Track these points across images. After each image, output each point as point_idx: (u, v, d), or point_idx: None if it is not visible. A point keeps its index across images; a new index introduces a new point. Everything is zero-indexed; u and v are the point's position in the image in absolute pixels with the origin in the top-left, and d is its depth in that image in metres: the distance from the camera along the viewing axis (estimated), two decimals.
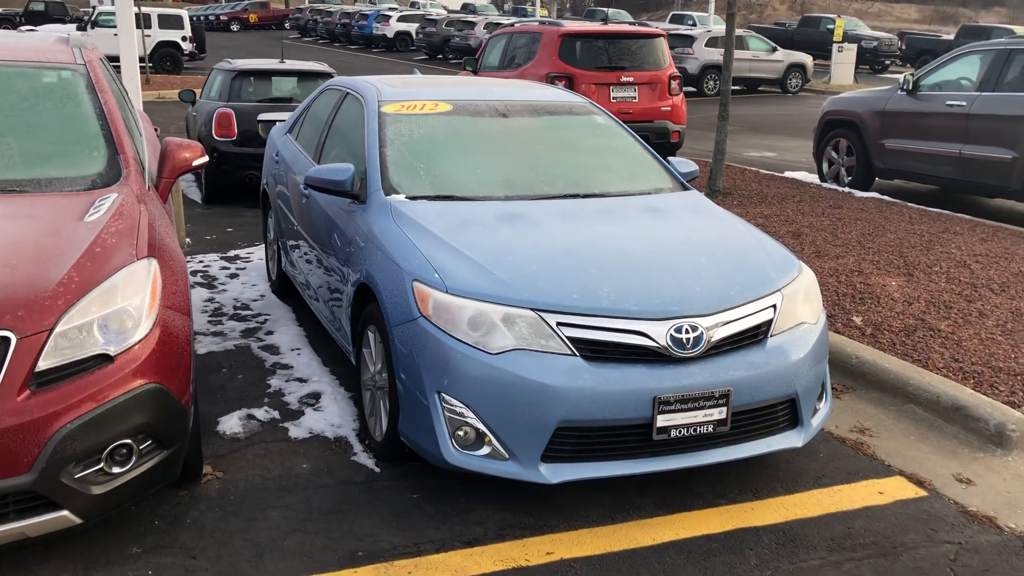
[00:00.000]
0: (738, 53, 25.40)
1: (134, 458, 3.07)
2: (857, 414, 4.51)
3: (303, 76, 10.01)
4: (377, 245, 3.91)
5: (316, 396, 4.60)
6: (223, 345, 5.31)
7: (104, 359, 2.98)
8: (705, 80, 24.92)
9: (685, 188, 4.79)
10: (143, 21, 26.81)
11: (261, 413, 4.38)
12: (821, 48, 31.68)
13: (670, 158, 5.05)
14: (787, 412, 3.68)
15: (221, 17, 55.99)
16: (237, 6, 59.13)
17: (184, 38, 27.58)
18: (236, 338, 5.45)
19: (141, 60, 26.21)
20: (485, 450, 3.36)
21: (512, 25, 11.75)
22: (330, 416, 4.35)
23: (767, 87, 26.63)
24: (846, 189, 10.25)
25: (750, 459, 3.69)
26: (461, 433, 3.38)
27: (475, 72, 12.16)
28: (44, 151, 3.76)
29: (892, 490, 3.79)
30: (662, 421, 3.35)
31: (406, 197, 4.20)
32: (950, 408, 4.32)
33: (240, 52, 34.40)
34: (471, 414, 3.34)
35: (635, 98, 10.46)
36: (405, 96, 4.91)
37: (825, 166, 10.99)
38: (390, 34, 39.53)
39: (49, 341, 2.88)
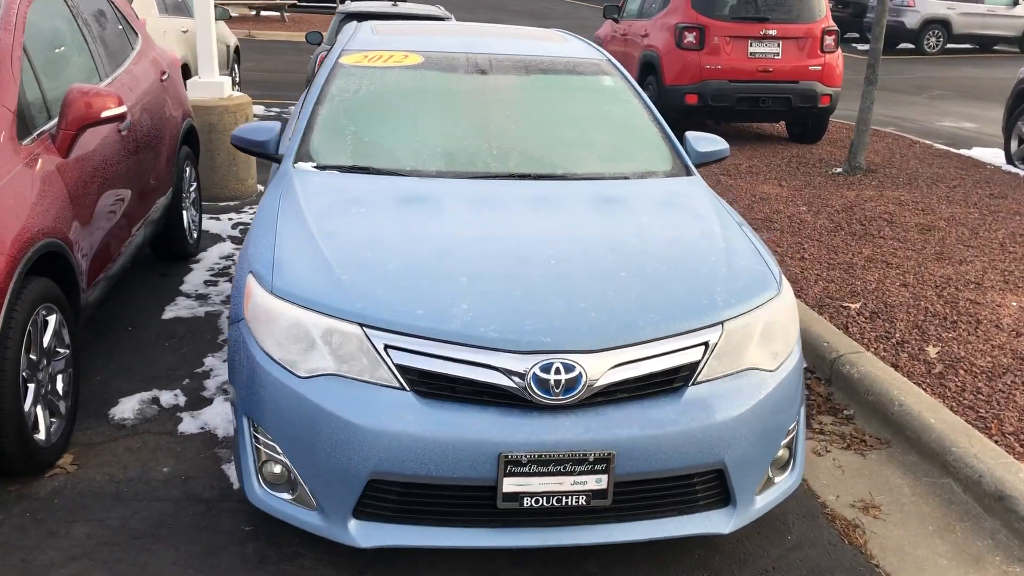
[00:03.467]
0: (969, 7, 22.48)
1: None
2: (874, 482, 3.47)
3: (415, 20, 9.48)
4: (254, 222, 3.31)
5: None
6: (195, 311, 4.92)
7: None
8: (926, 36, 22.22)
9: (688, 173, 3.83)
10: None
11: (168, 397, 3.93)
12: None
13: (692, 133, 4.08)
14: (712, 486, 2.76)
15: None
16: None
17: None
18: (216, 304, 5.05)
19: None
20: (293, 494, 2.71)
21: None
22: None
23: (1005, 46, 23.43)
24: None
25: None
26: (277, 470, 2.74)
27: (616, 20, 11.18)
28: None
29: None
30: (510, 485, 2.56)
31: (315, 166, 3.56)
32: (992, 495, 3.20)
33: None
34: (280, 449, 2.69)
35: (778, 54, 9.14)
36: (375, 45, 4.24)
37: (1014, 144, 9.23)
38: None
39: None
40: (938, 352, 4.30)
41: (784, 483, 2.96)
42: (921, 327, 4.61)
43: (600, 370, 2.61)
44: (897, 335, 4.50)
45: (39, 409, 3.31)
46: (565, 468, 2.57)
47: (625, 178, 3.67)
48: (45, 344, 3.36)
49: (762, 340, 2.86)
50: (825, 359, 4.28)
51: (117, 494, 3.23)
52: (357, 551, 2.90)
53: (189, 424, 3.72)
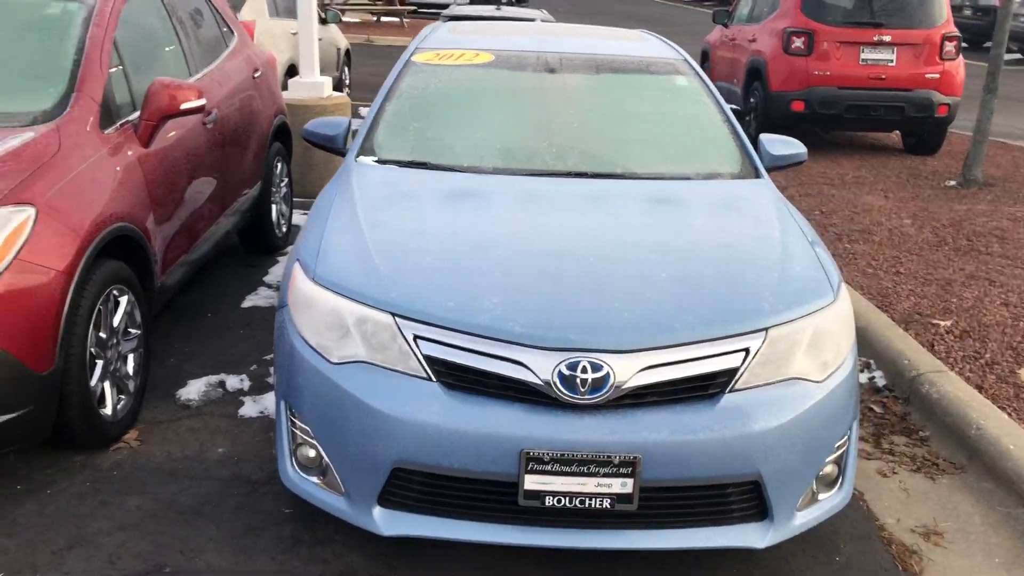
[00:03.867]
0: None
1: None
2: (941, 507, 3.26)
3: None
4: (310, 213, 3.38)
5: None
6: (274, 301, 5.06)
7: None
8: None
9: (757, 175, 3.69)
10: None
11: (234, 381, 4.05)
12: None
13: (767, 136, 3.95)
14: (747, 498, 2.65)
15: None
16: None
17: None
18: None
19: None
20: (323, 478, 2.75)
21: None
22: None
23: None
24: None
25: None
26: (311, 454, 2.78)
27: (726, 26, 10.94)
28: (7, 82, 3.63)
29: None
30: (532, 483, 2.52)
31: (376, 160, 3.61)
32: None
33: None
34: (312, 433, 2.73)
35: (892, 61, 8.76)
36: (450, 43, 4.27)
37: None
38: None
39: None
40: None
41: (830, 500, 2.81)
42: (1016, 349, 4.32)
43: (629, 371, 2.54)
44: (987, 356, 4.23)
45: (107, 385, 3.46)
46: (589, 469, 2.52)
47: (687, 179, 3.57)
48: (115, 323, 3.51)
49: (810, 349, 2.73)
50: (904, 377, 4.06)
51: (172, 471, 3.34)
52: (387, 539, 2.91)
53: (250, 408, 3.82)
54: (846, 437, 2.83)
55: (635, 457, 2.50)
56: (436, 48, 4.23)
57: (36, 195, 3.11)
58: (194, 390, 3.96)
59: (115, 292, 3.49)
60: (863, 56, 8.77)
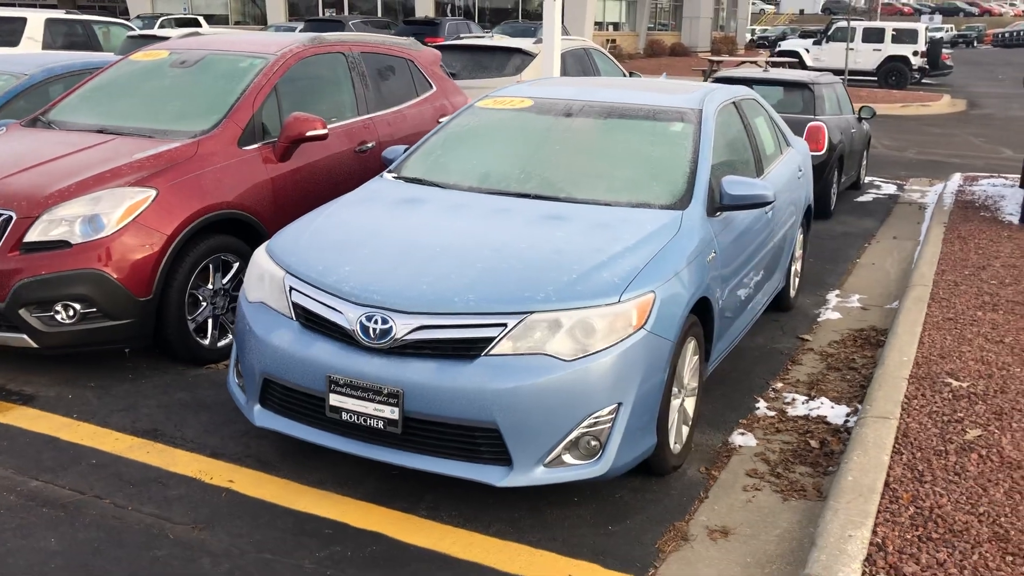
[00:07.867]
0: None
1: (77, 317, 4.49)
2: (759, 519, 3.49)
3: (788, 86, 9.86)
4: None
5: None
6: None
7: (64, 244, 4.45)
8: None
9: (681, 208, 4.10)
10: (877, 35, 27.23)
11: None
12: None
13: (728, 178, 4.30)
14: (493, 445, 3.30)
15: None
16: None
17: (915, 52, 26.92)
18: None
19: (869, 74, 26.94)
20: (240, 382, 3.90)
21: None
22: None
23: None
24: None
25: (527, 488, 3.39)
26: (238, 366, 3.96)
27: None
28: (191, 111, 5.33)
29: None
30: (335, 400, 3.45)
31: (394, 176, 4.69)
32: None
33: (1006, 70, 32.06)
34: (238, 350, 3.90)
35: None
36: (517, 92, 5.19)
37: None
38: None
39: (36, 224, 4.45)
40: (977, 436, 3.87)
41: (582, 468, 3.32)
42: (1003, 415, 4.10)
43: (408, 327, 3.36)
44: (957, 415, 4.09)
45: (209, 323, 4.95)
46: (369, 396, 3.38)
47: (609, 205, 4.13)
48: (224, 279, 4.99)
49: (570, 334, 3.30)
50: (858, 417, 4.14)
51: (221, 383, 4.71)
52: (291, 441, 3.98)
53: None
54: (609, 418, 3.31)
55: (399, 391, 3.32)
56: (500, 96, 5.19)
57: (160, 183, 4.69)
58: None
59: (224, 257, 4.98)
60: None
